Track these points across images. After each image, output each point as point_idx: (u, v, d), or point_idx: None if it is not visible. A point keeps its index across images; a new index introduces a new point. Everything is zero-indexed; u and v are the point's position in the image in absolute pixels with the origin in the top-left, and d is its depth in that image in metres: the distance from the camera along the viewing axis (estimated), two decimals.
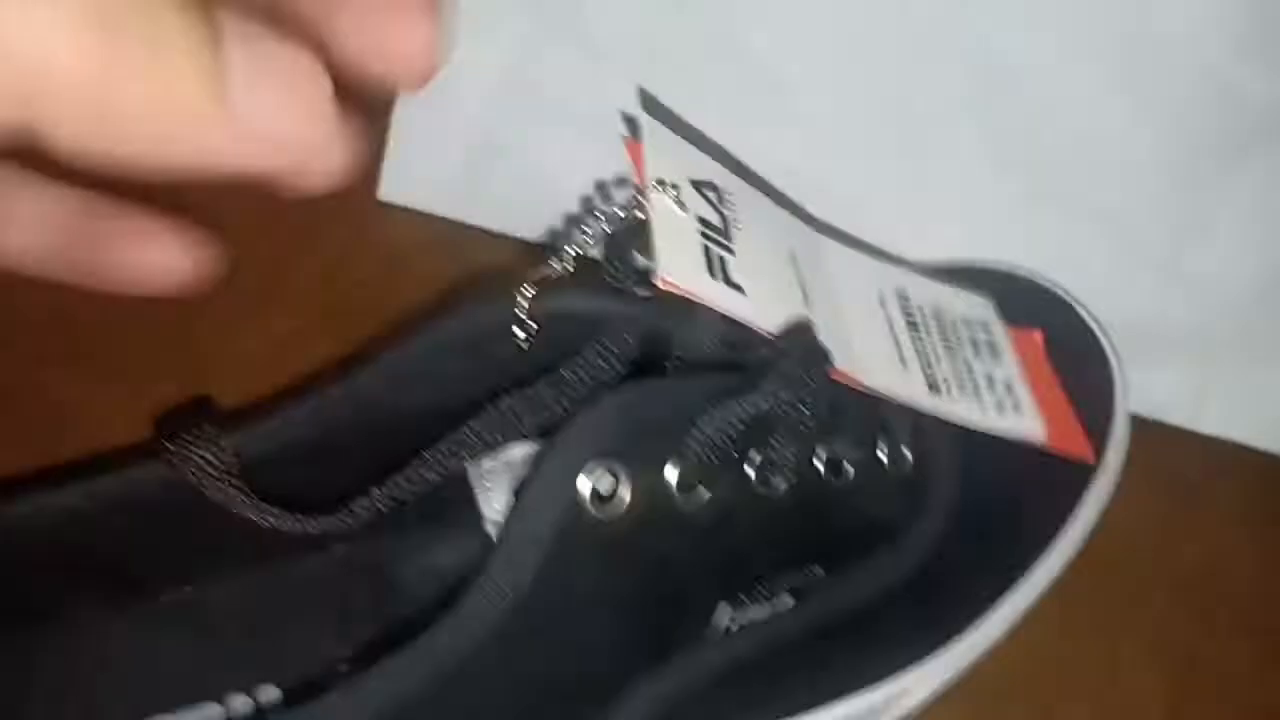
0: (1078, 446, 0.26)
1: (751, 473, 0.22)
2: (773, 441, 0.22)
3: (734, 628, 0.22)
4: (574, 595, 0.20)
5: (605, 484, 0.20)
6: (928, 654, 0.24)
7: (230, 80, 0.13)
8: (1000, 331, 0.28)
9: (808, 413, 0.22)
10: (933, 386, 0.25)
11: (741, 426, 0.21)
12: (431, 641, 0.19)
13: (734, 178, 0.25)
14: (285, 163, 0.14)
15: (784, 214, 0.27)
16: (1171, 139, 0.31)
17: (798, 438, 0.22)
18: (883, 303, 0.26)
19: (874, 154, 0.33)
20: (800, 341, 0.22)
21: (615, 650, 0.21)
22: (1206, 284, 0.32)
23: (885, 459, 0.24)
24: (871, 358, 0.24)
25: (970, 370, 0.26)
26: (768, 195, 0.26)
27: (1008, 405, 0.26)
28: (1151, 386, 0.33)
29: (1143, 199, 0.32)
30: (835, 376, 0.22)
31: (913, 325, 0.26)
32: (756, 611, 0.23)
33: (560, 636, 0.20)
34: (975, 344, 0.27)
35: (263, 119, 0.13)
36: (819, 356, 0.22)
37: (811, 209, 0.30)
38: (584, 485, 0.20)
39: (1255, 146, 0.31)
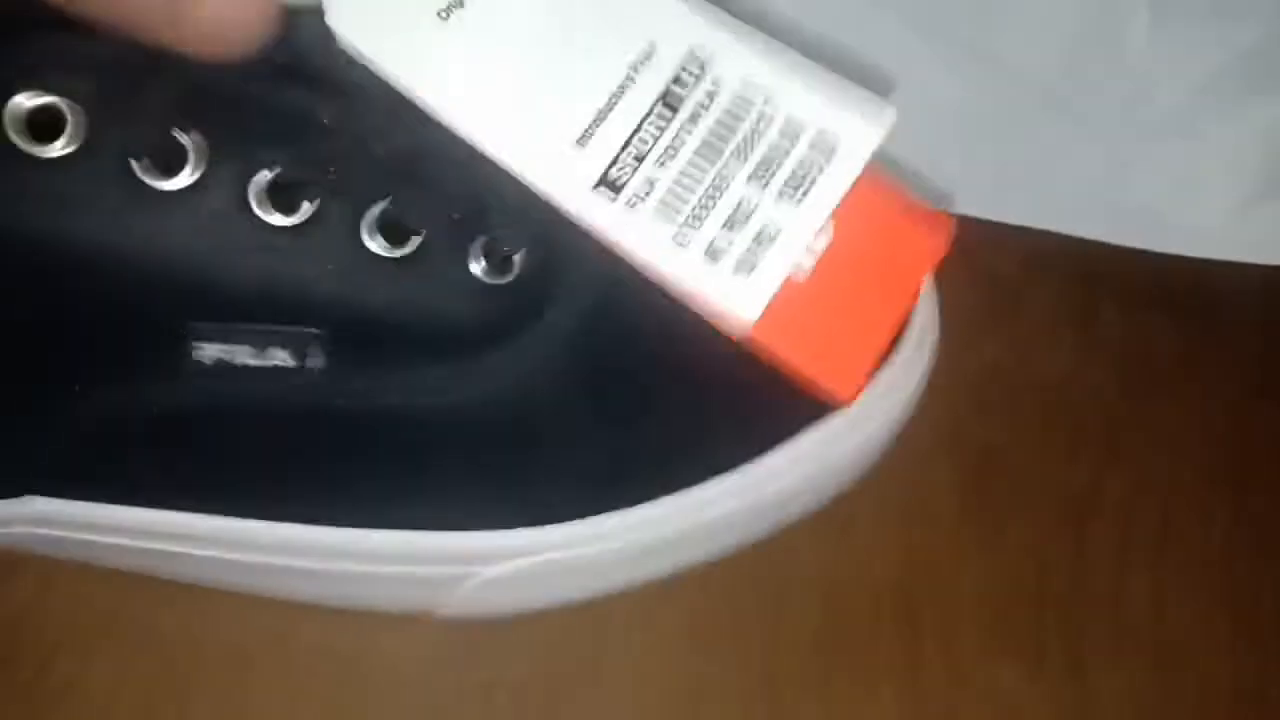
0: (829, 379, 0.18)
1: (255, 200, 0.19)
2: (280, 163, 0.19)
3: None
4: None
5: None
6: (498, 526, 0.20)
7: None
8: (846, 170, 0.18)
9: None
10: (610, 185, 0.17)
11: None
12: None
13: None
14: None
15: None
16: None
17: (315, 168, 0.19)
18: (640, 61, 0.18)
19: None
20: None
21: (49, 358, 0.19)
22: (1009, 59, 0.30)
23: (478, 257, 0.20)
24: (519, 111, 0.18)
25: (720, 192, 0.18)
26: None
27: (731, 261, 0.18)
28: (955, 176, 0.30)
29: None
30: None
31: (669, 104, 0.18)
32: (244, 356, 0.20)
33: None
34: (771, 165, 0.18)
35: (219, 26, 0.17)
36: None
37: None
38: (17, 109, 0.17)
39: None
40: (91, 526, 0.21)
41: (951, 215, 0.19)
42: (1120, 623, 0.24)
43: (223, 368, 0.19)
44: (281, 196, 0.19)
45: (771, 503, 0.21)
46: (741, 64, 0.18)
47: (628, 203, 0.18)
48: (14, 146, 0.18)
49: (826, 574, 0.23)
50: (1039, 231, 0.31)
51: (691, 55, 0.18)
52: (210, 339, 0.19)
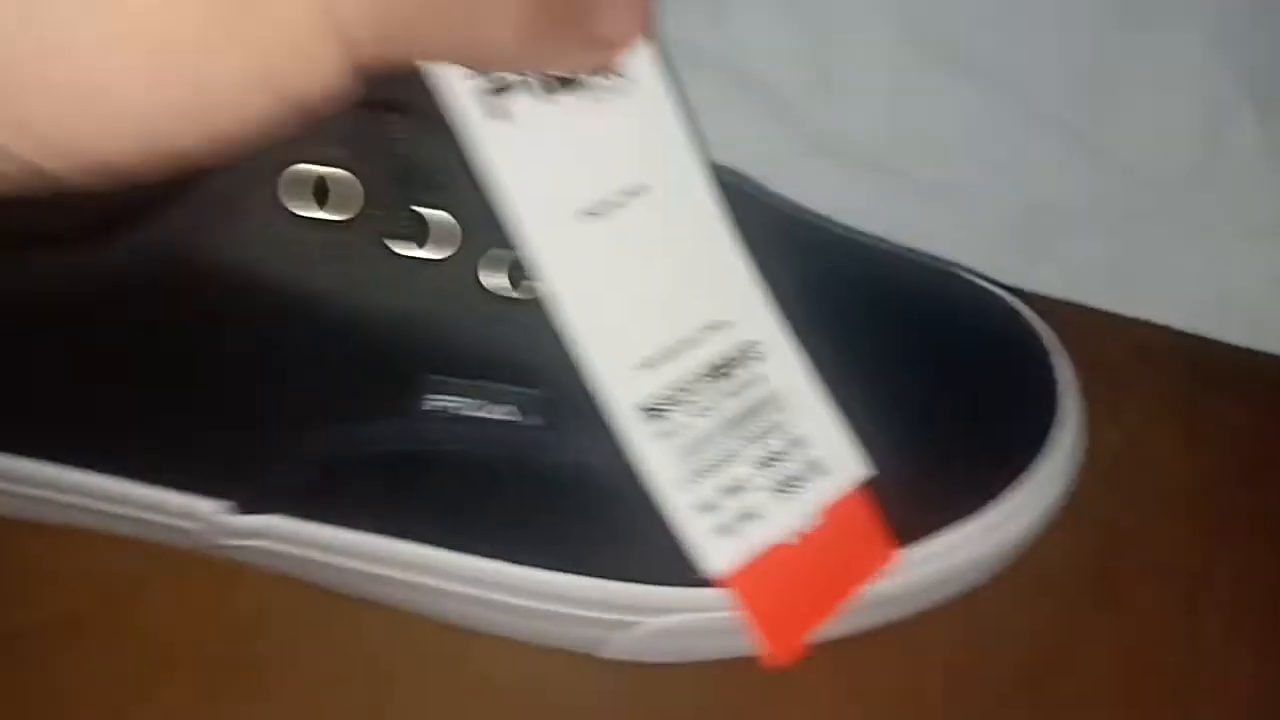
0: (771, 638, 0.22)
1: (489, 274, 0.21)
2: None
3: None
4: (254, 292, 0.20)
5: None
6: (674, 581, 0.22)
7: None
8: (828, 490, 0.22)
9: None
10: (652, 412, 0.21)
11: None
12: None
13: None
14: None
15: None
16: (1079, 5, 0.30)
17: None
18: (711, 328, 0.21)
19: (776, 22, 0.31)
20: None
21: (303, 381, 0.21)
22: (1123, 158, 0.31)
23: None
24: (612, 313, 0.20)
25: (729, 462, 0.21)
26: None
27: (717, 521, 0.21)
28: (1070, 266, 0.32)
29: (1052, 68, 0.30)
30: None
31: (719, 374, 0.21)
32: (469, 409, 0.22)
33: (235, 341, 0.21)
34: (775, 462, 0.21)
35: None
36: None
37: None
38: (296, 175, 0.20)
39: (1161, 14, 0.30)
40: (318, 545, 0.23)
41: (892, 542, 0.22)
42: (1232, 703, 0.25)
43: (448, 416, 0.21)
44: (515, 270, 0.21)
45: (917, 588, 0.23)
46: (784, 374, 0.22)
47: (660, 433, 0.21)
48: (285, 209, 0.20)
49: (954, 652, 0.24)
50: (1147, 321, 0.32)
51: (751, 346, 0.21)
52: (440, 390, 0.21)
